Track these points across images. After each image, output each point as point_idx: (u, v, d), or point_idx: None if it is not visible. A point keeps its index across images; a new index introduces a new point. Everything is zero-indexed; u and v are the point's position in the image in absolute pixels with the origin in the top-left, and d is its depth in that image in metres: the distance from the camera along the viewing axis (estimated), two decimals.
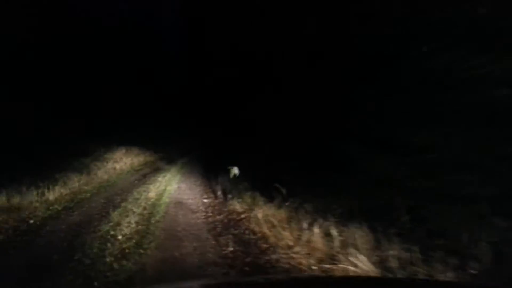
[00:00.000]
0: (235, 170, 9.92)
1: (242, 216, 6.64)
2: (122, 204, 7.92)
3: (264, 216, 6.09)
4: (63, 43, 14.94)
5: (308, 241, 4.54)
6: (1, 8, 11.85)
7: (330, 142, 6.96)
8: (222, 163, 11.10)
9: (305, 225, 5.02)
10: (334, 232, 4.55)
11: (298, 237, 4.78)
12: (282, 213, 5.97)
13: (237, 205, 7.43)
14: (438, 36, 5.29)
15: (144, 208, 7.44)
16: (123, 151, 17.18)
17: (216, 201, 8.37)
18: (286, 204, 7.00)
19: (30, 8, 13.46)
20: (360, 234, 4.36)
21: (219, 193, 9.01)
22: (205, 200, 8.46)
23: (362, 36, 5.84)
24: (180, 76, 30.94)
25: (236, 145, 13.59)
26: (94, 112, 17.68)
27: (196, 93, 27.20)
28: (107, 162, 14.08)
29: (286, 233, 4.97)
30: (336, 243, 4.25)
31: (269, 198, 7.36)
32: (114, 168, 13.55)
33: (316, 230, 4.65)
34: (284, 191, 7.58)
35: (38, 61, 13.30)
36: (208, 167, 13.71)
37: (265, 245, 4.93)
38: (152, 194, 8.97)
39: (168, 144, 24.15)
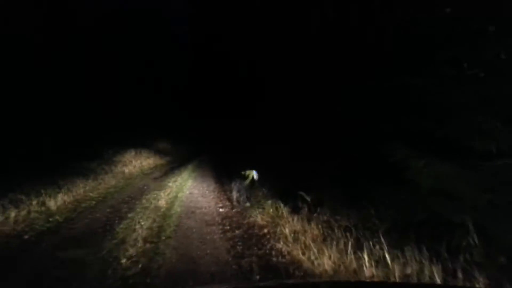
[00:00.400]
0: (254, 175, 9.04)
1: (265, 230, 5.73)
2: (129, 215, 7.11)
3: (292, 231, 5.19)
4: (65, 40, 14.21)
5: (356, 271, 3.62)
6: None
7: (367, 141, 6.02)
8: (237, 166, 10.27)
9: (348, 247, 4.08)
10: (387, 257, 3.63)
11: (342, 264, 3.86)
12: (315, 229, 5.05)
13: (257, 216, 6.55)
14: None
15: (154, 220, 6.60)
16: (132, 153, 16.49)
17: (233, 210, 7.49)
18: (314, 215, 6.11)
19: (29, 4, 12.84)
20: (423, 262, 3.42)
21: (234, 200, 8.17)
22: (220, 210, 7.58)
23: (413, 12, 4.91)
24: (190, 73, 30.14)
25: (252, 147, 12.71)
26: (102, 113, 17.02)
27: (207, 90, 26.42)
28: (115, 166, 13.36)
29: (325, 259, 4.05)
30: (396, 275, 3.32)
31: (294, 208, 6.47)
32: (123, 172, 12.82)
33: (366, 257, 3.71)
34: (309, 199, 6.72)
35: (40, 58, 12.59)
36: (221, 171, 12.88)
37: (298, 273, 4.02)
38: (162, 202, 8.14)
39: (179, 145, 23.47)
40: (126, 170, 13.18)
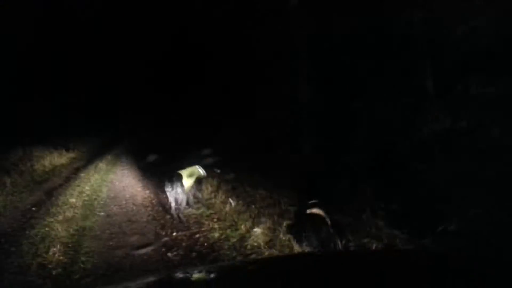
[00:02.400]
0: (200, 171, 5.86)
1: None
2: None
3: None
4: None
5: None
6: None
7: None
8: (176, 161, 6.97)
9: None
10: None
11: None
12: None
13: None
14: None
15: None
16: (19, 154, 11.88)
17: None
18: None
19: None
20: None
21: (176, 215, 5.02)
22: (169, 255, 4.21)
23: None
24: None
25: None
26: None
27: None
28: None
29: None
30: None
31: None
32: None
33: None
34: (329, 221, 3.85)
35: None
36: (152, 168, 9.33)
37: None
38: (56, 249, 4.49)
39: (88, 134, 18.70)
40: (8, 181, 8.87)
